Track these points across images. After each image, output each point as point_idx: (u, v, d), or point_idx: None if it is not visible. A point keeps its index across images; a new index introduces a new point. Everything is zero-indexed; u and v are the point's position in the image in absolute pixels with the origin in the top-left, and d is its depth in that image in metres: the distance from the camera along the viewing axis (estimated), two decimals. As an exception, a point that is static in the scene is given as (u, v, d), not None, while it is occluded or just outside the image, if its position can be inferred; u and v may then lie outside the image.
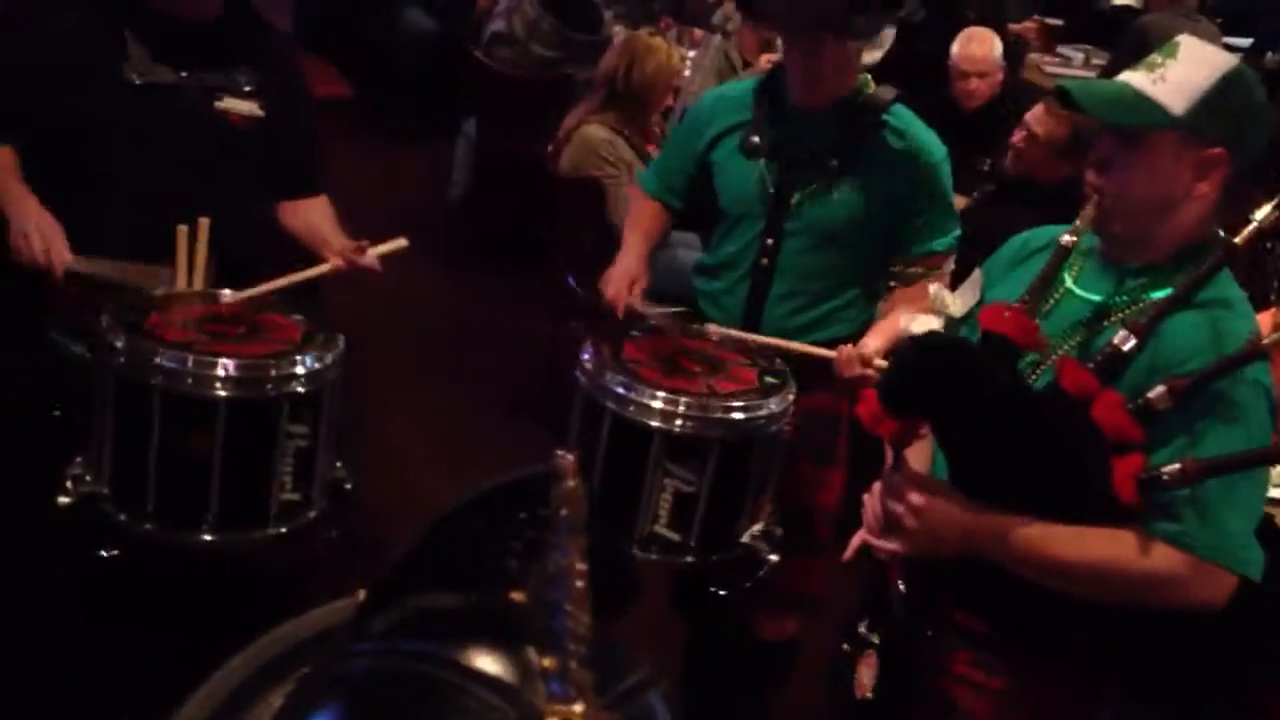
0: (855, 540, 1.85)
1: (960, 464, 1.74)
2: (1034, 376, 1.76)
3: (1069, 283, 1.82)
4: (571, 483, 0.60)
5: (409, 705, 0.57)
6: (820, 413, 2.50)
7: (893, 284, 2.53)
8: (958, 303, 1.92)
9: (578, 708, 0.53)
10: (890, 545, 1.76)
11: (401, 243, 2.48)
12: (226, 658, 0.69)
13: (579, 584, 0.57)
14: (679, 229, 4.36)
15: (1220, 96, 1.66)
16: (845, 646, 1.86)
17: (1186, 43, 1.72)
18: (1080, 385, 1.63)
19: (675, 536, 2.20)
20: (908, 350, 1.71)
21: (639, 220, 2.74)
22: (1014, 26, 6.30)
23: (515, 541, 0.60)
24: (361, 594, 0.63)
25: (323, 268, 2.42)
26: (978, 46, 4.60)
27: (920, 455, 1.87)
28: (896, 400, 1.68)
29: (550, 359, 4.40)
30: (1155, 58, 1.70)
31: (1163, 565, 1.63)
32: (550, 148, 4.35)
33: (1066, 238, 1.77)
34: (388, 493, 2.35)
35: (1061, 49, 6.64)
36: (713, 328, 2.47)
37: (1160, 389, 1.62)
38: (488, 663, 0.56)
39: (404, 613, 0.60)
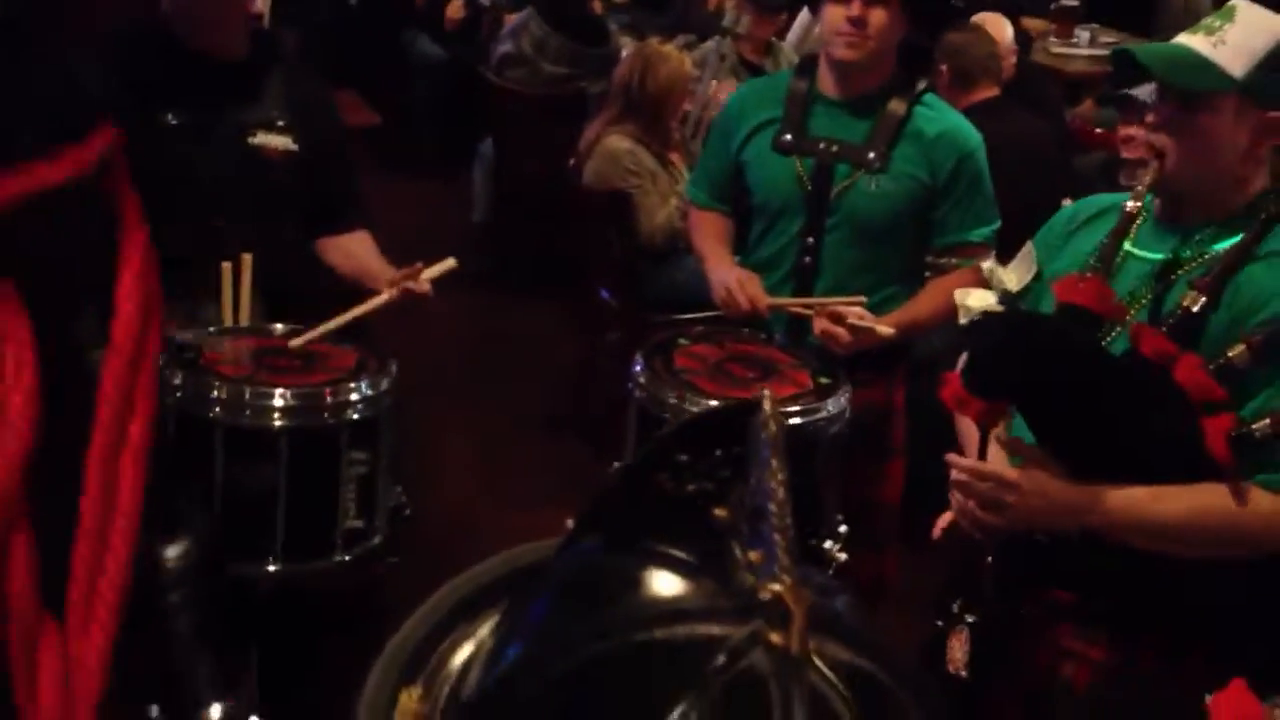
0: (942, 520, 1.84)
1: (1048, 440, 1.73)
2: (1107, 342, 1.76)
3: (1128, 245, 1.83)
4: (769, 407, 0.63)
5: (620, 590, 0.59)
6: (873, 406, 2.50)
7: (928, 274, 2.53)
8: (1013, 277, 1.92)
9: (784, 583, 0.55)
10: (988, 520, 1.74)
11: (451, 263, 2.47)
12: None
13: (780, 491, 0.60)
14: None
15: (1277, 60, 1.68)
16: (938, 623, 1.85)
17: (1242, 7, 1.74)
18: (1159, 350, 1.64)
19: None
20: (991, 331, 1.71)
21: (707, 234, 2.70)
22: (1028, 22, 6.27)
23: (712, 473, 0.63)
24: (569, 523, 0.65)
25: (379, 300, 2.40)
26: (990, 31, 4.56)
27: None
28: (984, 382, 1.68)
29: (588, 372, 4.40)
30: (1213, 21, 1.72)
31: (1265, 509, 1.65)
32: (572, 162, 4.35)
33: (1131, 204, 1.77)
34: (429, 509, 2.39)
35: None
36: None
37: (1239, 348, 1.64)
38: (695, 554, 0.60)
39: (610, 531, 0.63)
